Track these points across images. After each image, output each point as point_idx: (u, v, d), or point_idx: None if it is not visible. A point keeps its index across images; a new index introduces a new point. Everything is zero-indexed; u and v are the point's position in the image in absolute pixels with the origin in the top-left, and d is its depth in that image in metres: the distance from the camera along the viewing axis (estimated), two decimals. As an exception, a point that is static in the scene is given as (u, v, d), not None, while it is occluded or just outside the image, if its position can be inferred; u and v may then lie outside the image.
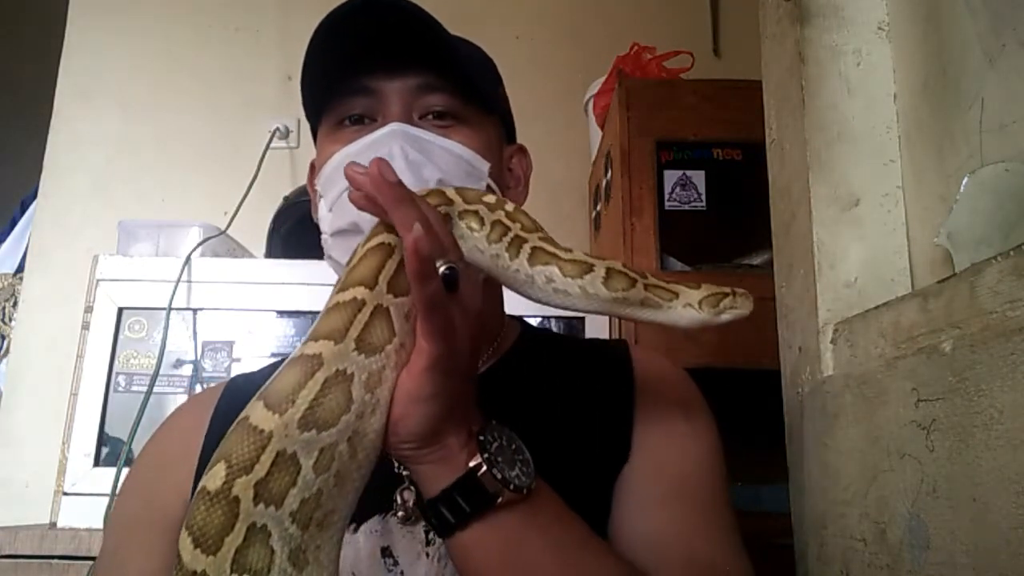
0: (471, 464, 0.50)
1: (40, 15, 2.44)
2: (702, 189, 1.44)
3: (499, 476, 0.50)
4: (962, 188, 0.65)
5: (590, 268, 0.54)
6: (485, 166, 0.71)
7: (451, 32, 0.72)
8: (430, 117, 0.70)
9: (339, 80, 0.70)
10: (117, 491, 1.15)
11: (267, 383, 0.46)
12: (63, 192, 1.97)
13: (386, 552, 0.63)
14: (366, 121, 0.70)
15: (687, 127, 1.46)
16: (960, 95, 0.70)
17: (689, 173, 1.45)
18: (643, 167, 1.43)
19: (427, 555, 0.63)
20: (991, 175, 0.63)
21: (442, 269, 0.46)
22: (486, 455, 0.50)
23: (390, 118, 0.68)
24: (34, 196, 1.99)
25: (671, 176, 1.45)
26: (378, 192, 0.47)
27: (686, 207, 1.43)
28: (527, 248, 0.55)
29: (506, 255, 0.55)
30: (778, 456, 0.88)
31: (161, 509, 0.68)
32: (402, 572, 0.63)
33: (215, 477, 0.43)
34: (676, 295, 0.56)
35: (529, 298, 0.56)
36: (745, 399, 1.13)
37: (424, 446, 0.49)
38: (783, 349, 0.89)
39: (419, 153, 0.67)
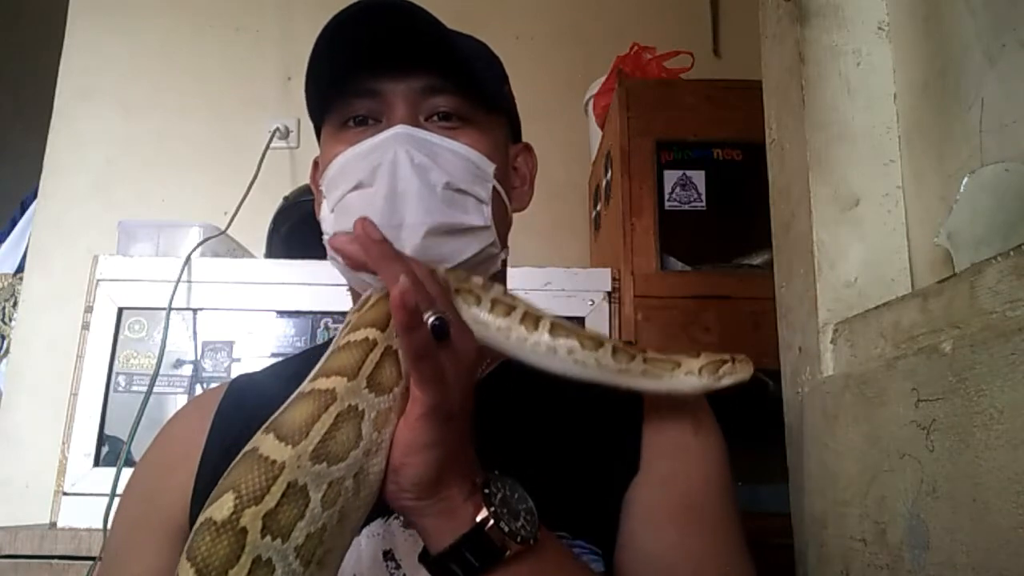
0: (478, 519, 0.49)
1: (40, 15, 2.44)
2: (702, 189, 1.44)
3: (506, 529, 0.49)
4: (962, 188, 0.65)
5: (601, 344, 0.59)
6: (491, 168, 0.71)
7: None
8: (436, 119, 0.69)
9: (344, 81, 0.69)
10: (120, 491, 1.15)
11: (274, 417, 0.46)
12: (63, 192, 1.97)
13: (388, 555, 0.63)
14: (370, 122, 0.70)
15: (687, 127, 1.46)
16: (960, 95, 0.70)
17: (689, 173, 1.45)
18: (643, 167, 1.43)
19: None
20: (991, 175, 0.63)
21: (431, 319, 0.46)
22: (492, 508, 0.50)
23: (395, 120, 0.68)
24: (34, 196, 1.99)
25: (671, 176, 1.45)
26: (365, 251, 0.48)
27: (686, 207, 1.43)
28: (546, 323, 0.58)
29: (521, 328, 0.58)
30: (778, 456, 0.88)
31: (163, 510, 0.68)
32: (404, 575, 0.63)
33: (222, 507, 0.42)
34: (678, 364, 0.61)
35: (537, 366, 0.59)
36: (745, 399, 1.12)
37: (425, 497, 0.49)
38: (783, 349, 0.89)
39: (425, 156, 0.66)
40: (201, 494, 0.67)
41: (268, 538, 0.42)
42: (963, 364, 0.52)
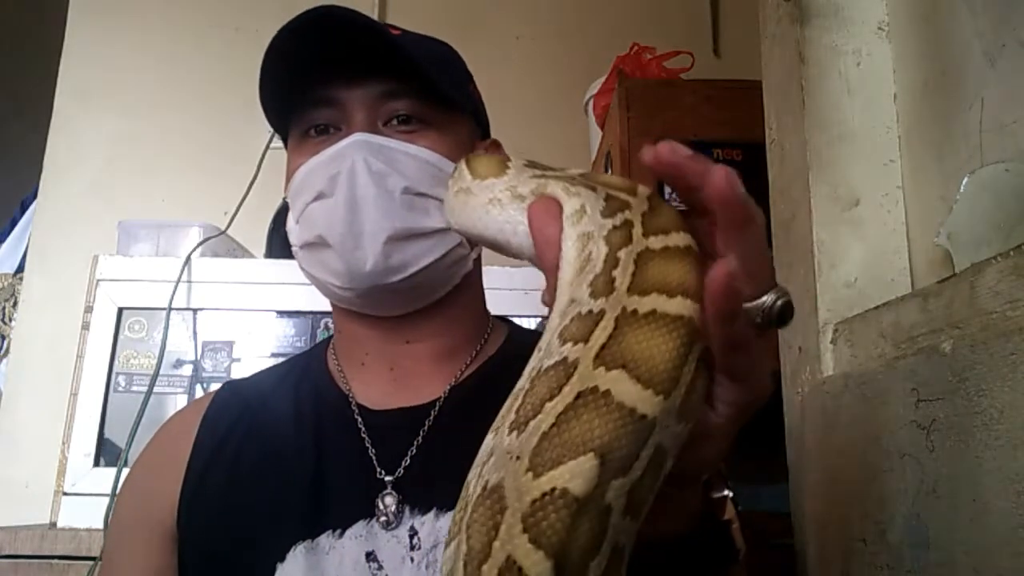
0: (725, 517, 0.46)
1: (40, 15, 2.44)
2: (702, 189, 1.44)
3: (738, 536, 0.46)
4: (962, 188, 0.65)
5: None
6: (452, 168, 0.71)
7: (444, 32, 0.73)
8: (395, 123, 0.69)
9: (300, 92, 0.69)
10: (116, 492, 1.15)
11: (603, 343, 0.33)
12: (63, 192, 1.97)
13: (371, 557, 0.63)
14: (331, 131, 0.70)
15: (687, 127, 1.46)
16: (960, 95, 0.70)
17: (689, 173, 1.44)
18: (643, 167, 1.42)
19: (411, 560, 0.63)
20: (991, 175, 0.63)
21: (778, 303, 0.35)
22: (738, 509, 0.46)
23: (355, 127, 0.68)
24: (34, 196, 1.99)
25: (671, 176, 1.44)
26: (687, 164, 0.37)
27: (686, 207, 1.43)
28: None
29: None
30: (778, 456, 0.88)
31: (153, 513, 0.69)
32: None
33: (583, 476, 0.29)
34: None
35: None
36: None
37: (687, 484, 0.42)
38: (783, 349, 0.89)
39: (382, 163, 0.66)
40: (188, 501, 0.68)
41: (628, 519, 0.31)
42: (963, 364, 0.53)
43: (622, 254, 0.37)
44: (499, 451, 0.32)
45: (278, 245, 1.53)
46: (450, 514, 0.62)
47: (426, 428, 0.67)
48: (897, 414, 0.61)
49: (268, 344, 1.33)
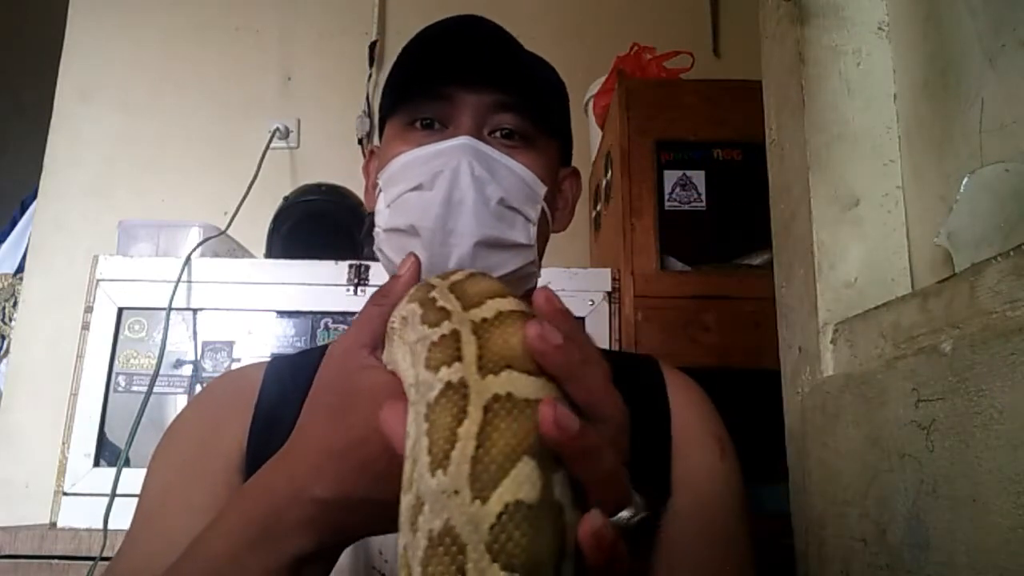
0: None
1: (40, 15, 2.44)
2: (702, 189, 1.44)
3: None
4: (962, 188, 0.65)
5: None
6: (542, 190, 0.73)
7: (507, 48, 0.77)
8: (499, 135, 0.72)
9: (423, 83, 0.72)
10: (119, 492, 1.15)
11: (476, 352, 0.34)
12: (63, 192, 1.97)
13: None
14: (436, 126, 0.72)
15: (687, 127, 1.46)
16: (960, 95, 0.70)
17: (689, 173, 1.45)
18: (643, 167, 1.43)
19: None
20: (991, 175, 0.63)
21: (635, 519, 0.35)
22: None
23: (461, 130, 0.70)
24: (34, 196, 1.99)
25: (671, 176, 1.45)
26: (563, 358, 0.34)
27: (686, 207, 1.43)
28: None
29: None
30: (778, 456, 0.88)
31: (219, 450, 0.69)
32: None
33: (528, 480, 0.30)
34: None
35: None
36: (745, 399, 1.13)
37: None
38: (783, 349, 0.89)
39: (485, 170, 0.69)
40: (253, 449, 0.68)
41: (577, 512, 0.32)
42: (963, 364, 0.52)
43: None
44: (430, 497, 0.30)
45: (278, 245, 1.53)
46: None
47: None
48: (897, 414, 0.61)
49: (268, 344, 1.33)
